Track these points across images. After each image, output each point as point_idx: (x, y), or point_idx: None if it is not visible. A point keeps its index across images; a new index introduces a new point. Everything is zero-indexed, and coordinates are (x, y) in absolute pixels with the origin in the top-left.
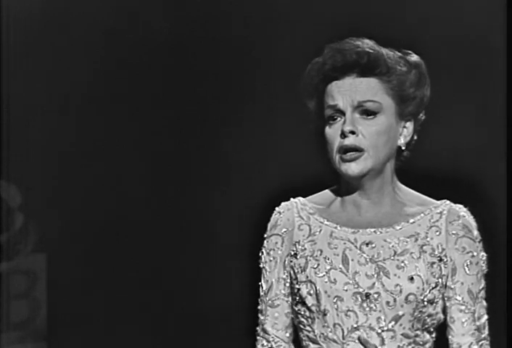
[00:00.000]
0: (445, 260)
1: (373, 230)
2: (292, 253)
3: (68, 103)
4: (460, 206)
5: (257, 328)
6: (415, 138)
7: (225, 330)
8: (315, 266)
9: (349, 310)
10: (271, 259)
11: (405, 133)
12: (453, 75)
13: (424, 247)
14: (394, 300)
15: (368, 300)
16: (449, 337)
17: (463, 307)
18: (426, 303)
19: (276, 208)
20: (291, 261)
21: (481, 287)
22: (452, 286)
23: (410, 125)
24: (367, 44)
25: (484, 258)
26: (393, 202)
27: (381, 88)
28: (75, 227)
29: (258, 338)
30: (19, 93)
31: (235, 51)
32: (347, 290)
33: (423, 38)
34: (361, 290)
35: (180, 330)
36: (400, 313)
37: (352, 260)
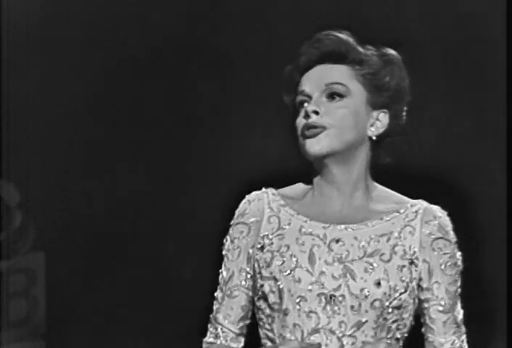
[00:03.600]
0: (416, 263)
1: (344, 226)
2: (259, 246)
3: (68, 102)
4: (437, 206)
5: (210, 315)
6: (401, 138)
7: None
8: (281, 263)
9: (311, 311)
10: (235, 247)
11: (378, 124)
12: (452, 75)
13: (396, 248)
14: (359, 305)
15: (332, 302)
16: (429, 336)
17: (442, 308)
18: (391, 309)
19: (246, 196)
20: (256, 254)
21: (458, 285)
22: (430, 288)
23: (383, 117)
24: (342, 35)
25: (460, 257)
26: (366, 197)
27: (352, 74)
28: (73, 225)
29: (209, 325)
30: (18, 92)
31: (204, 48)
32: (311, 290)
33: (423, 37)
34: (326, 291)
35: (179, 328)
36: (363, 320)
37: (319, 259)
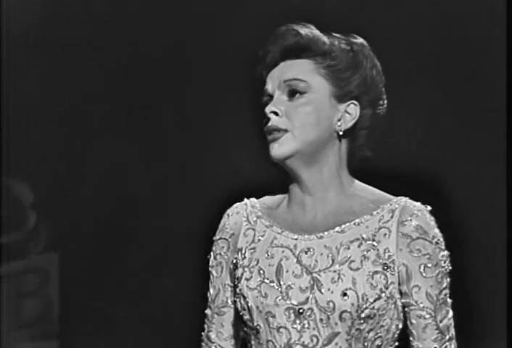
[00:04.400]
0: (392, 267)
1: (314, 235)
2: (234, 261)
3: (68, 102)
4: (417, 203)
5: (202, 334)
6: (378, 134)
7: None
8: (248, 278)
9: (281, 327)
10: (218, 263)
11: (347, 118)
12: (452, 76)
13: (368, 253)
14: (328, 318)
15: (301, 316)
16: (411, 340)
17: (422, 312)
18: (363, 320)
19: (228, 210)
20: (233, 270)
21: (442, 287)
22: (408, 292)
23: (353, 109)
24: (303, 29)
25: (445, 257)
26: (340, 198)
27: (313, 68)
28: (86, 225)
29: (202, 344)
30: (18, 92)
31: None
32: (278, 305)
33: (422, 38)
34: (293, 305)
35: (192, 329)
36: (336, 331)
37: (287, 271)
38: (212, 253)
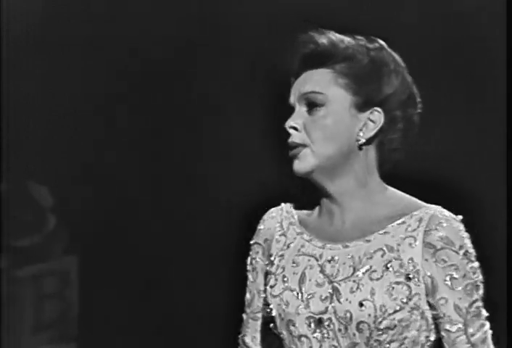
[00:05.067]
0: (416, 278)
1: (340, 245)
2: (267, 268)
3: (68, 102)
4: (447, 213)
5: (239, 336)
6: (410, 138)
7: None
8: (273, 285)
9: (302, 336)
10: (253, 268)
11: (370, 126)
12: (452, 75)
13: (390, 264)
14: (346, 328)
15: (321, 326)
16: None
17: (451, 325)
18: (383, 331)
19: (265, 214)
20: (266, 276)
21: (472, 299)
22: (435, 304)
23: (377, 117)
24: (320, 35)
25: (474, 269)
26: (368, 206)
27: (331, 78)
28: (106, 228)
29: (238, 347)
30: (18, 92)
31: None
32: (299, 314)
33: (422, 37)
34: (314, 315)
35: (207, 330)
36: (354, 341)
37: (310, 280)
38: (249, 257)
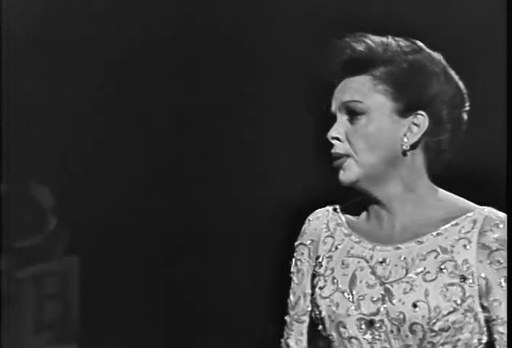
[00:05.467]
0: (471, 279)
1: (391, 247)
2: (314, 269)
3: (68, 102)
4: (501, 214)
5: (281, 340)
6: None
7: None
8: (322, 286)
9: (352, 337)
10: (298, 270)
11: (414, 130)
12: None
13: (444, 265)
14: (398, 329)
15: (372, 327)
16: None
17: (503, 328)
18: (436, 333)
19: (310, 215)
20: (312, 278)
21: None
22: (489, 306)
23: (421, 120)
24: (357, 41)
25: None
26: (418, 210)
27: (371, 85)
28: (106, 228)
29: None
30: (18, 92)
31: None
32: (350, 315)
33: (423, 38)
34: (365, 316)
35: (210, 330)
36: (407, 343)
37: (360, 282)
38: (293, 258)
